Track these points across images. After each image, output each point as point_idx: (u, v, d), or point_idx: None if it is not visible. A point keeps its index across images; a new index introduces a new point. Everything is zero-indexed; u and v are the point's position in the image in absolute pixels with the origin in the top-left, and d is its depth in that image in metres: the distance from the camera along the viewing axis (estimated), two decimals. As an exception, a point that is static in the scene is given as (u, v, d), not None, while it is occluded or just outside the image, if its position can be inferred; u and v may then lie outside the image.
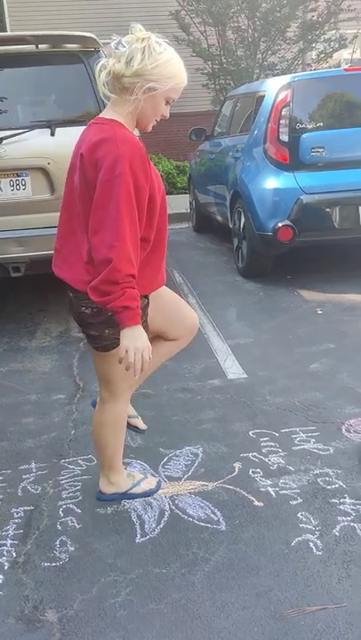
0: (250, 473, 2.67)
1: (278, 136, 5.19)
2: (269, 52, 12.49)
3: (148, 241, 2.04)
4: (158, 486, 2.57)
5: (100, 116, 2.02)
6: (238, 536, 2.27)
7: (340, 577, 2.05)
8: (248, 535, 2.28)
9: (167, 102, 1.98)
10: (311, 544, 2.22)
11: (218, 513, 2.41)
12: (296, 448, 2.84)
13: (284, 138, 5.17)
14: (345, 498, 2.46)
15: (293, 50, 12.68)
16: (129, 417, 2.56)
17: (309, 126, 5.15)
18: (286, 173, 5.19)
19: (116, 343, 2.03)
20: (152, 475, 2.66)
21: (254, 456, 2.79)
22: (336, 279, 5.46)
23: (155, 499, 2.50)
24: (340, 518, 2.34)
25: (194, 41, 11.65)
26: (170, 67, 1.90)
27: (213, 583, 2.05)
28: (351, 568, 2.09)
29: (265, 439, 2.93)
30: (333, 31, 12.41)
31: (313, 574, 2.07)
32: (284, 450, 2.83)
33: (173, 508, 2.45)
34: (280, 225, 5.10)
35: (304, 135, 5.11)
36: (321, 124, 5.11)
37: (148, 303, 2.15)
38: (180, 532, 2.30)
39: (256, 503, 2.47)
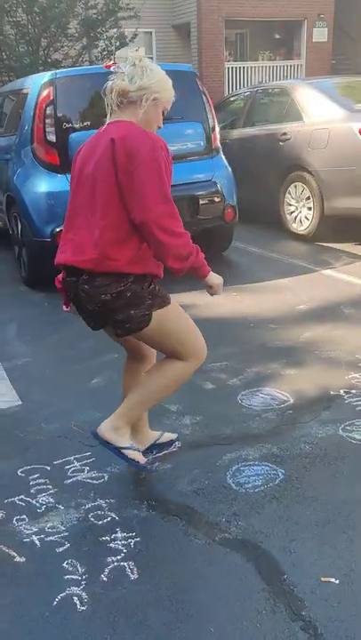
0: (14, 521, 2.35)
1: (45, 136, 4.88)
2: (52, 49, 12.13)
3: None
4: (145, 466, 2.54)
5: (114, 120, 2.28)
6: (-8, 607, 1.94)
7: (103, 637, 1.82)
8: (5, 603, 1.96)
9: (163, 112, 2.33)
10: (75, 599, 1.97)
11: (-30, 581, 2.06)
12: (68, 481, 2.58)
13: (52, 138, 4.87)
14: (116, 532, 2.26)
15: (77, 47, 12.46)
16: None
17: (77, 125, 4.91)
18: (59, 175, 4.89)
19: (146, 319, 2.27)
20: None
21: (21, 499, 2.48)
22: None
23: None
24: (109, 559, 2.13)
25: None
26: (166, 81, 2.29)
27: None
28: (118, 621, 1.87)
29: (35, 476, 2.63)
30: (115, 29, 12.40)
31: (75, 638, 1.81)
32: (55, 485, 2.56)
33: None
34: (58, 230, 4.80)
35: (73, 135, 4.85)
36: (88, 122, 4.88)
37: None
38: None
39: (17, 559, 2.16)
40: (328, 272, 5.38)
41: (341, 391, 3.22)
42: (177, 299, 2.46)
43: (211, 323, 4.02)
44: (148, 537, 2.23)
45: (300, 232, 6.41)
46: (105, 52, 12.43)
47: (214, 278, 2.37)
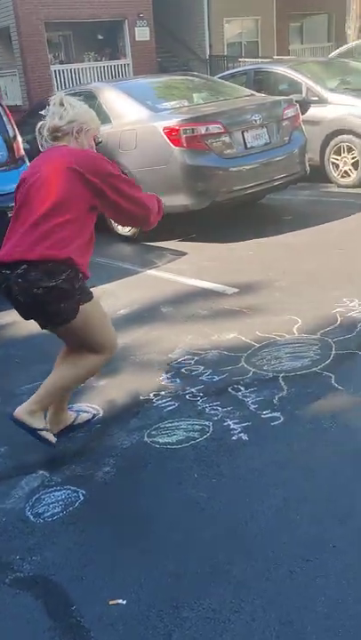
0: None
1: None
2: None
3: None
4: (54, 444, 2.72)
5: (52, 147, 2.62)
6: None
7: None
8: None
9: (94, 139, 2.69)
10: None
11: None
12: None
13: None
14: None
15: None
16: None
17: None
18: None
19: (73, 312, 2.48)
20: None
21: None
22: None
23: None
24: None
25: None
26: (90, 112, 2.66)
27: None
28: None
29: None
30: None
31: None
32: None
33: None
34: None
35: None
36: None
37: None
38: None
39: None
40: (151, 272, 5.41)
41: (151, 394, 3.21)
42: None
43: (30, 338, 3.89)
44: None
45: (126, 234, 6.39)
46: None
47: None
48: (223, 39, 19.98)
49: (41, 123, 2.62)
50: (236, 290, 4.62)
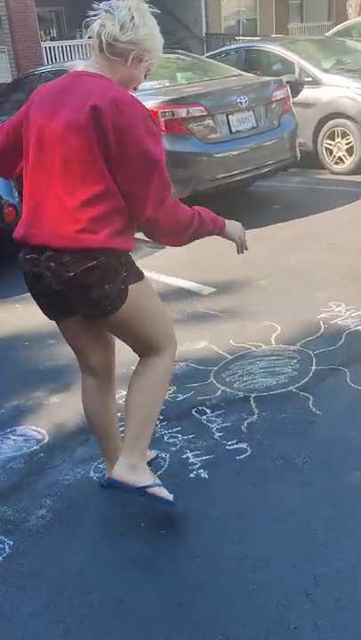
0: None
1: None
2: None
3: None
4: (173, 502, 2.11)
5: (90, 70, 1.92)
6: None
7: None
8: None
9: (145, 75, 1.96)
10: None
11: None
12: None
13: None
14: None
15: None
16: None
17: None
18: None
19: (122, 296, 1.94)
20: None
21: None
22: None
23: None
24: None
25: None
26: (159, 40, 1.91)
27: None
28: None
29: None
30: None
31: None
32: None
33: None
34: None
35: None
36: None
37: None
38: None
39: None
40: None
41: (106, 417, 2.83)
42: None
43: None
44: None
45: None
46: None
47: (232, 228, 2.17)
48: (220, 16, 19.34)
49: (95, 24, 1.87)
50: (214, 290, 4.23)
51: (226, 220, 2.14)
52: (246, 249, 2.24)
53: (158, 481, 2.15)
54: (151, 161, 1.84)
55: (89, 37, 1.92)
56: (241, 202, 6.34)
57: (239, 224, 2.19)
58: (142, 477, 2.08)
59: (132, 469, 2.07)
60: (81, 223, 1.85)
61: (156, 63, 1.96)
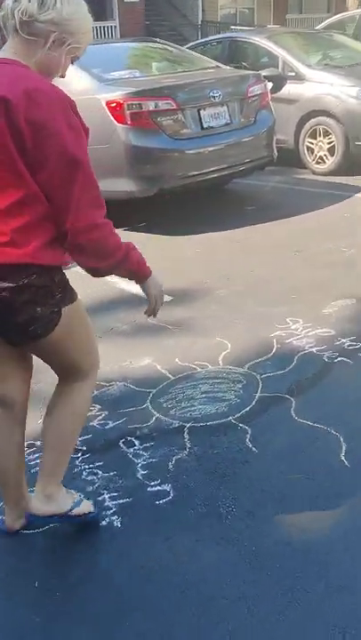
0: None
1: None
2: None
3: None
4: (97, 511, 2.08)
5: (3, 56, 1.66)
6: None
7: None
8: None
9: (72, 60, 1.73)
10: None
11: None
12: None
13: None
14: None
15: None
16: None
17: None
18: None
19: (54, 319, 1.74)
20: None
21: None
22: None
23: None
24: None
25: None
26: (87, 21, 1.69)
27: None
28: None
29: None
30: None
31: None
32: None
33: None
34: None
35: None
36: None
37: None
38: None
39: None
40: (78, 269, 4.73)
41: (25, 444, 2.57)
42: None
43: None
44: None
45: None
46: None
47: (153, 285, 1.91)
48: (217, 4, 18.96)
49: (8, 1, 1.64)
50: (170, 298, 3.93)
51: (152, 275, 1.89)
52: (155, 316, 2.00)
53: (77, 495, 2.06)
54: (72, 159, 1.60)
55: (2, 16, 1.65)
56: (215, 201, 6.06)
57: (161, 286, 1.94)
58: (63, 503, 1.99)
59: (50, 499, 1.96)
60: (4, 236, 1.61)
61: (83, 47, 1.71)
